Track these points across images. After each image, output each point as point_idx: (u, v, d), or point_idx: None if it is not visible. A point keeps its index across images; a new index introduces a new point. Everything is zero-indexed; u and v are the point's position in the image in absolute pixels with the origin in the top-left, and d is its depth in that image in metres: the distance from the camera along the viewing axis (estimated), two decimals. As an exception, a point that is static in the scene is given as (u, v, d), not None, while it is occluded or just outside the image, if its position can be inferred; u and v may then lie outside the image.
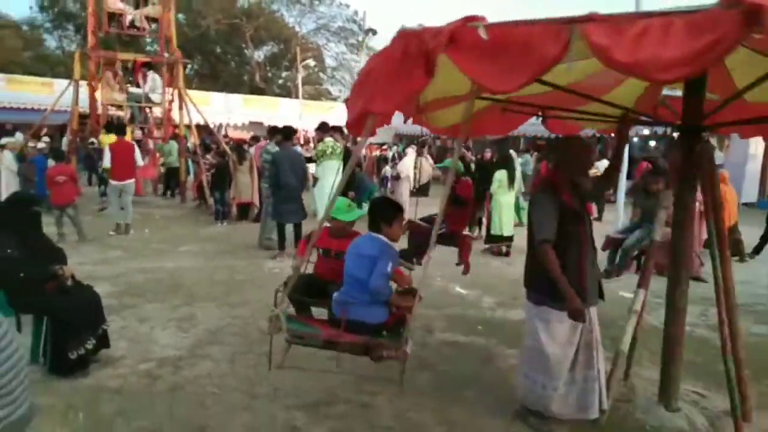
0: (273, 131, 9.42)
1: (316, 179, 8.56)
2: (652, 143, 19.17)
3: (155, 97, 14.04)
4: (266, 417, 3.60)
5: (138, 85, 14.17)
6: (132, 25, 13.88)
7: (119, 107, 13.94)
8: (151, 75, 14.06)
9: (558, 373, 3.29)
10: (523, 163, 18.21)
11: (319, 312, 4.15)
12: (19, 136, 14.54)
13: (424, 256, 4.58)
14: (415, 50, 2.24)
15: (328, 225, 4.14)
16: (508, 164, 9.35)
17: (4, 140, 12.76)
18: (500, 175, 9.12)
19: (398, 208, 3.81)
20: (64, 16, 37.07)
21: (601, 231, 10.84)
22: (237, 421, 3.54)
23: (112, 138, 11.00)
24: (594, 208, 10.85)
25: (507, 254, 9.07)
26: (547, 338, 3.30)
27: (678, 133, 3.47)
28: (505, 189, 9.05)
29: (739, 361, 3.36)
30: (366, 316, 3.49)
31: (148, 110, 14.95)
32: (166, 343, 4.83)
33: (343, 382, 4.11)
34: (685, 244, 3.41)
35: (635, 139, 17.19)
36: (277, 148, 8.71)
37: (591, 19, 1.94)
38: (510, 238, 9.07)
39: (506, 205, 9.03)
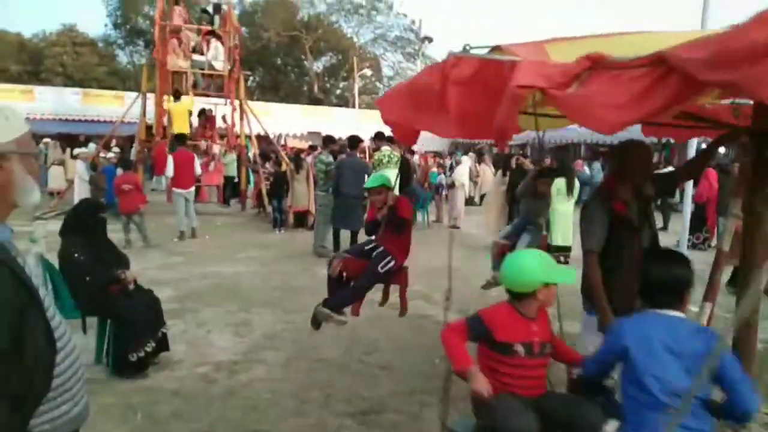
0: (328, 141, 9.58)
1: None
2: (722, 149, 18.27)
3: (218, 64, 14.55)
4: (317, 423, 3.61)
5: (202, 53, 14.73)
6: (194, 50, 14.47)
7: (183, 73, 14.49)
8: (214, 43, 14.57)
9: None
10: (596, 170, 17.75)
11: None
12: (92, 147, 15.37)
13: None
14: None
15: (537, 297, 2.60)
16: (566, 172, 9.11)
17: (77, 151, 13.53)
18: (558, 183, 8.88)
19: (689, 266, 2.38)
20: (135, 33, 38.97)
21: (666, 241, 10.36)
22: (288, 426, 3.57)
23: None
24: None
25: (565, 263, 8.81)
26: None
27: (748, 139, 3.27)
28: (563, 197, 8.80)
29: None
30: None
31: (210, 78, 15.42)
32: (223, 347, 4.95)
33: (394, 392, 4.09)
34: (756, 255, 3.20)
35: (703, 145, 16.42)
36: (330, 158, 8.85)
37: None
38: (568, 249, 8.81)
39: (564, 214, 8.78)
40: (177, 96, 13.18)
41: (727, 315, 5.23)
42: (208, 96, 14.98)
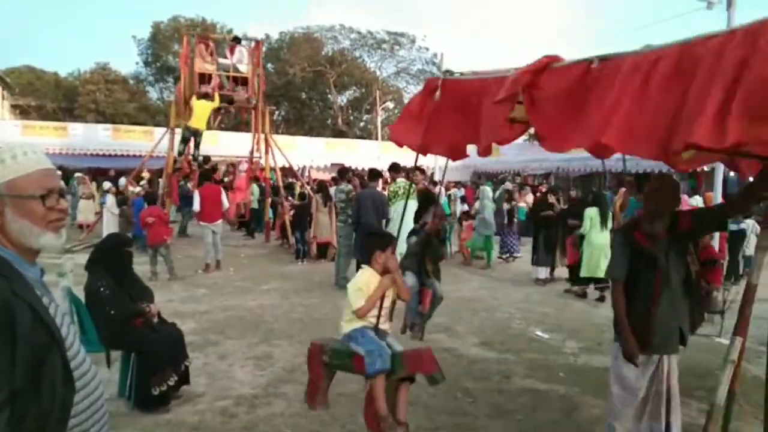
0: (343, 173, 9.83)
1: (388, 220, 8.64)
2: (751, 178, 17.89)
3: (242, 67, 15.08)
4: (336, 460, 3.56)
5: (226, 57, 15.30)
6: (221, 87, 14.92)
7: (209, 76, 14.81)
8: (239, 48, 15.16)
9: (619, 414, 3.16)
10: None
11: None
12: (122, 181, 15.79)
13: None
14: None
15: None
16: (600, 201, 8.89)
17: (106, 185, 13.87)
18: (591, 212, 8.65)
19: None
20: (164, 70, 40.19)
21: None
22: (307, 463, 3.52)
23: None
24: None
25: (601, 299, 8.50)
26: (615, 377, 3.24)
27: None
28: (597, 228, 8.56)
29: None
30: None
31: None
32: (244, 380, 4.93)
33: (417, 429, 4.00)
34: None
35: (732, 174, 16.09)
36: (349, 187, 9.00)
37: None
38: (605, 281, 8.58)
39: (600, 245, 8.48)
40: (204, 97, 13.61)
41: (761, 347, 5.07)
42: (231, 100, 15.38)
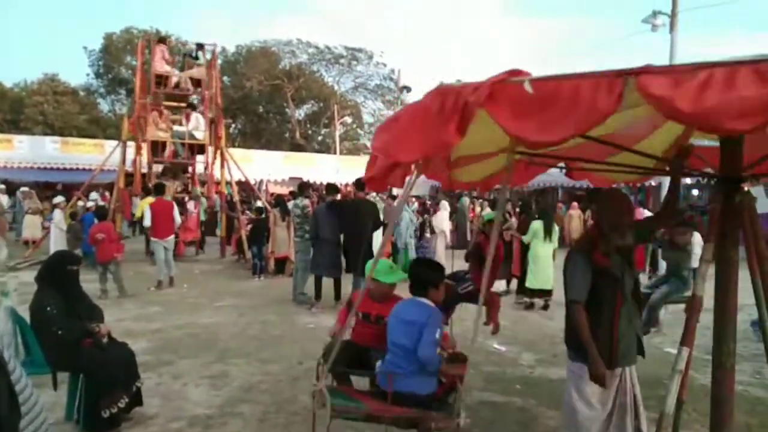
0: (303, 187, 9.79)
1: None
2: (695, 192, 18.68)
3: (198, 134, 14.61)
4: (294, 480, 3.50)
5: (182, 124, 14.81)
6: (177, 86, 14.62)
7: (163, 144, 14.40)
8: (195, 114, 14.69)
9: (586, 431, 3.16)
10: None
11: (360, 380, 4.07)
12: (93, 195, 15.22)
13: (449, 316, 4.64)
14: (452, 106, 2.20)
15: (369, 287, 3.83)
16: (545, 215, 9.25)
17: (57, 200, 13.37)
18: (536, 225, 8.96)
19: (442, 270, 3.74)
20: (116, 82, 39.26)
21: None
22: (264, 484, 3.44)
23: (149, 200, 11.23)
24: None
25: (545, 308, 8.83)
26: (578, 396, 3.21)
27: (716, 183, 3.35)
28: (540, 240, 8.86)
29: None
30: (415, 387, 3.35)
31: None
32: (198, 400, 4.80)
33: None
34: (729, 299, 3.24)
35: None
36: (306, 202, 8.96)
37: (648, 71, 1.87)
38: (548, 292, 8.84)
39: (543, 257, 8.82)
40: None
41: (707, 356, 5.25)
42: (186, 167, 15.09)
